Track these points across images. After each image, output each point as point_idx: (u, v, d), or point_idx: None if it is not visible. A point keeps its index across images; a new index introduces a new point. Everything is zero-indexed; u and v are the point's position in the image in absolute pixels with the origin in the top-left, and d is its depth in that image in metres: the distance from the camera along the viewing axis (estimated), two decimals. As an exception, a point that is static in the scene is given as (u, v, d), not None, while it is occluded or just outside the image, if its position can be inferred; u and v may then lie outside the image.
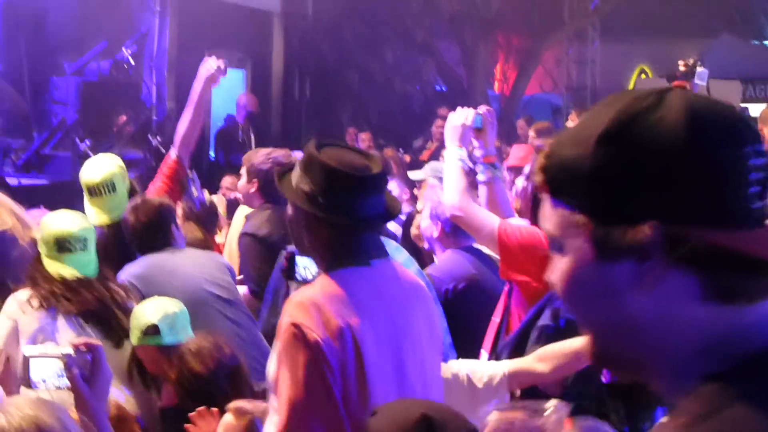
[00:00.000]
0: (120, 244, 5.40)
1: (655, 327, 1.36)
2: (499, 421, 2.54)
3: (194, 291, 5.11)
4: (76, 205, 5.50)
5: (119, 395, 4.57)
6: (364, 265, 3.25)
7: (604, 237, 1.36)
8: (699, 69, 8.27)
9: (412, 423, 2.68)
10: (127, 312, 4.70)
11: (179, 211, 6.43)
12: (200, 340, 4.40)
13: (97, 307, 4.69)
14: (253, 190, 6.15)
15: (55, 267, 4.68)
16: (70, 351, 3.15)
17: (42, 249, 4.74)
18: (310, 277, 4.04)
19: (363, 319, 3.14)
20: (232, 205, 8.21)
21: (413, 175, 7.83)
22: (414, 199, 8.08)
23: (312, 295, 3.17)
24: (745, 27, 23.24)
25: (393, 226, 7.00)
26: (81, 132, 11.86)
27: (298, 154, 5.73)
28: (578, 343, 3.62)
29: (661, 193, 1.33)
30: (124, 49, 13.80)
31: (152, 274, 5.14)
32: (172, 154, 6.31)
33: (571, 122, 13.13)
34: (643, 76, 25.17)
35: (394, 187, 8.10)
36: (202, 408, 3.97)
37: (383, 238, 3.59)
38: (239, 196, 7.34)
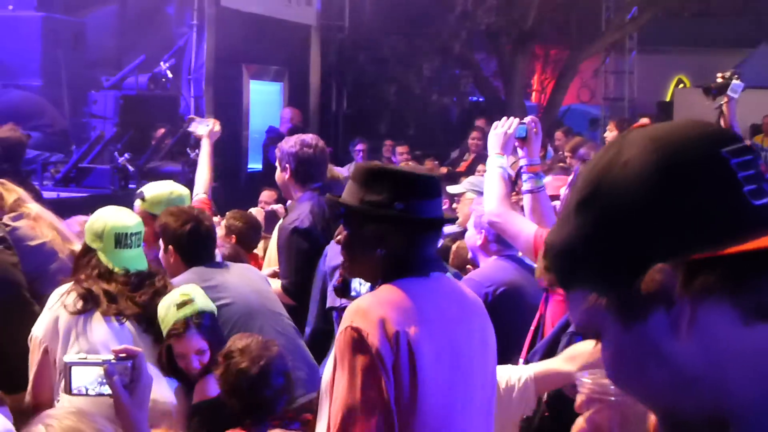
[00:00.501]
0: None
1: (710, 369, 1.24)
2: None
3: (246, 304, 5.09)
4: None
5: (171, 383, 4.59)
6: (424, 276, 3.30)
7: (623, 302, 1.27)
8: (735, 81, 8.22)
9: None
10: None
11: (222, 226, 6.53)
12: (248, 338, 4.36)
13: (144, 301, 4.69)
14: (287, 176, 6.18)
15: (111, 261, 4.69)
16: (111, 358, 3.14)
17: (96, 244, 4.74)
18: (364, 291, 4.02)
19: (421, 328, 3.15)
20: (269, 218, 8.23)
21: (451, 189, 7.79)
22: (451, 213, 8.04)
23: (373, 301, 3.20)
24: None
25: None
26: (119, 146, 11.90)
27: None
28: None
29: (652, 233, 1.24)
30: (162, 63, 13.85)
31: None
32: (202, 196, 6.65)
33: (609, 133, 13.02)
34: (681, 85, 25.09)
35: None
36: None
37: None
38: (276, 208, 7.33)
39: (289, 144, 6.23)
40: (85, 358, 3.28)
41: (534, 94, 24.34)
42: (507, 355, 4.53)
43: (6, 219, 5.52)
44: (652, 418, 1.47)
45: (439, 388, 3.18)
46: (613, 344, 1.31)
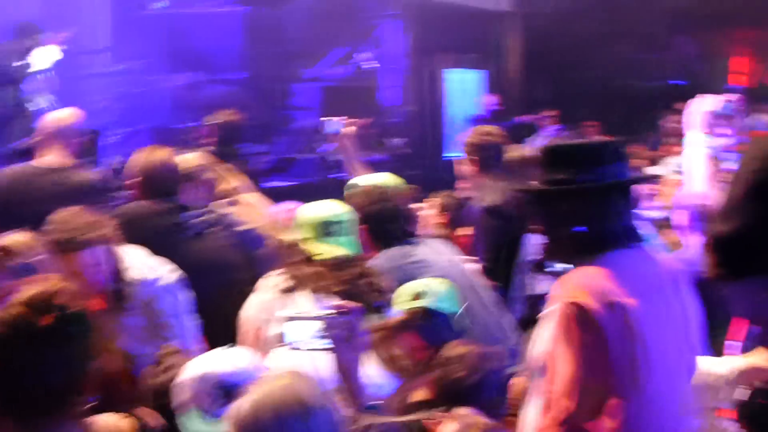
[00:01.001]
0: None
1: None
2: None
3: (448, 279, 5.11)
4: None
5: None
6: (625, 248, 3.28)
7: None
8: None
9: None
10: (378, 292, 4.72)
11: (435, 204, 6.68)
12: (467, 346, 4.24)
13: (348, 285, 4.77)
14: (473, 167, 6.29)
15: (319, 248, 4.76)
16: (330, 312, 3.22)
17: (305, 233, 4.83)
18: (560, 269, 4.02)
19: (635, 298, 3.13)
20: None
21: (653, 170, 7.68)
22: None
23: (586, 276, 3.20)
24: None
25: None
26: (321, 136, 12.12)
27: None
28: None
29: None
30: (360, 53, 14.03)
31: (400, 265, 5.10)
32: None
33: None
34: None
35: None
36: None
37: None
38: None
39: (472, 135, 6.44)
40: (302, 313, 3.37)
41: (736, 76, 23.66)
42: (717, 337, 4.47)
43: (220, 203, 5.74)
44: None
45: (655, 358, 3.15)
46: None
